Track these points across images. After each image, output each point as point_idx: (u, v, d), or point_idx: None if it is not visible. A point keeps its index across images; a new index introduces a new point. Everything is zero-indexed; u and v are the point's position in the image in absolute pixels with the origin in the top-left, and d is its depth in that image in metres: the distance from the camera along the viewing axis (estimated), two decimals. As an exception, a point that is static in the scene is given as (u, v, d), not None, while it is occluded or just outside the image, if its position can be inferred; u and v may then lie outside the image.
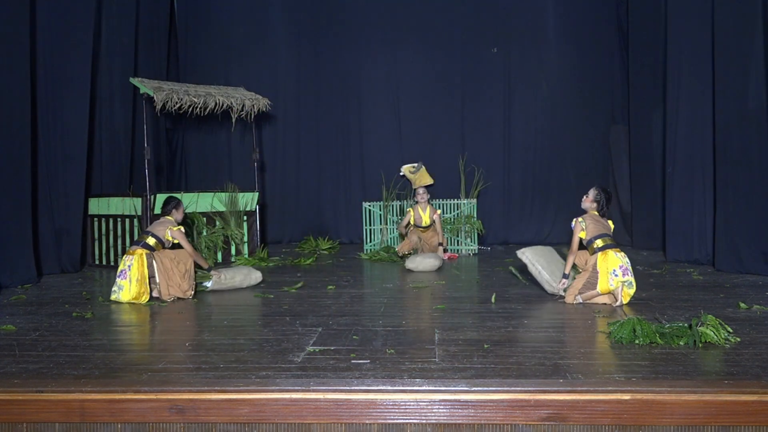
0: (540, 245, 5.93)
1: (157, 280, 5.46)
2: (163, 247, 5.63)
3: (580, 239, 5.12)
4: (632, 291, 4.98)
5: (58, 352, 3.76)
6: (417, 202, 8.05)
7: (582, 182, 9.62)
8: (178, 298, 5.47)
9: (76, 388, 3.09)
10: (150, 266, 5.45)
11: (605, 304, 4.97)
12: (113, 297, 5.42)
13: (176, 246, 5.76)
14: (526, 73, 9.76)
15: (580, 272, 5.17)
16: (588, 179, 9.53)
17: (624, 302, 4.93)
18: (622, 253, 5.04)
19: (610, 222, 5.22)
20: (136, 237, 7.22)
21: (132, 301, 5.36)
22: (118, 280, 5.44)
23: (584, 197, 5.24)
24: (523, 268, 5.48)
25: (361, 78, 10.07)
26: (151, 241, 5.57)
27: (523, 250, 5.57)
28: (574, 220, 5.17)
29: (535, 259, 5.45)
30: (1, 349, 3.83)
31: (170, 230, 5.60)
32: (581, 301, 5.00)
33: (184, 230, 5.72)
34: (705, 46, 6.83)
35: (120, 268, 5.49)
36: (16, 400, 3.07)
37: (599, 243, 5.02)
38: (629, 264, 5.00)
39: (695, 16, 6.97)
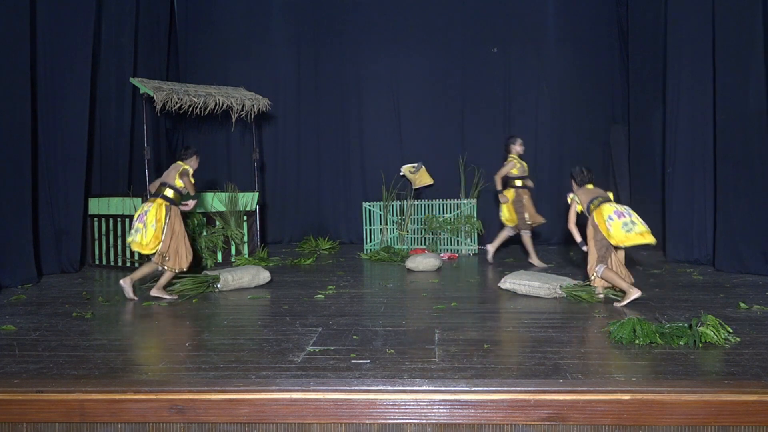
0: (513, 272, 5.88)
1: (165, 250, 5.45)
2: (181, 197, 5.62)
3: (581, 212, 5.30)
4: (639, 229, 4.94)
5: (58, 352, 3.76)
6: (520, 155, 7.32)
7: (582, 182, 9.67)
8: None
9: (76, 388, 3.09)
10: (167, 219, 5.44)
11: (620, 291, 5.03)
12: (129, 239, 5.52)
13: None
14: (526, 73, 9.76)
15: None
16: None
17: (641, 242, 4.93)
18: (618, 204, 5.14)
19: (609, 193, 5.32)
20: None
21: (141, 250, 5.42)
22: (135, 223, 5.49)
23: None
24: (513, 295, 5.45)
25: (361, 78, 10.07)
26: (169, 192, 5.55)
27: (503, 280, 5.59)
28: (568, 197, 5.41)
29: (518, 280, 5.50)
30: (1, 349, 3.83)
31: (179, 174, 5.59)
32: (600, 275, 5.00)
33: (191, 172, 5.68)
34: (705, 46, 6.83)
35: (138, 212, 5.52)
36: (16, 400, 3.07)
37: (593, 205, 5.16)
38: (627, 209, 5.08)
39: (695, 16, 6.97)
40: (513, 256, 8.26)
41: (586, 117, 9.67)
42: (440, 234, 8.68)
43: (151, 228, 5.36)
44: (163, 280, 5.57)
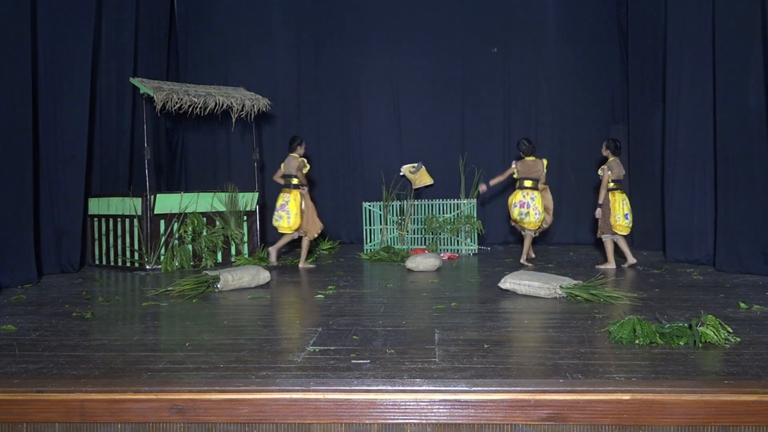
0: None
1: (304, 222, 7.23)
2: (305, 179, 7.27)
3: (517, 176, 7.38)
4: (528, 219, 7.27)
5: (58, 352, 3.76)
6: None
7: (582, 182, 9.67)
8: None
9: (76, 388, 3.09)
10: (302, 203, 7.16)
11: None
12: (275, 223, 7.25)
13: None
14: (526, 73, 9.77)
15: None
16: (588, 179, 9.57)
17: (531, 227, 7.31)
18: (532, 192, 7.29)
19: (544, 160, 7.44)
20: (137, 237, 7.26)
21: (287, 231, 7.20)
22: (279, 212, 7.19)
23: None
24: (513, 295, 5.45)
25: (361, 78, 10.07)
26: (295, 181, 7.19)
27: (503, 280, 5.58)
28: (513, 164, 7.41)
29: (518, 280, 5.48)
30: (1, 349, 3.83)
31: (298, 163, 7.17)
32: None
33: (305, 161, 7.29)
34: (705, 46, 6.83)
35: (279, 202, 7.22)
36: (16, 400, 3.07)
37: (519, 182, 7.33)
38: (533, 200, 7.25)
39: (695, 16, 6.98)
40: (513, 256, 8.26)
41: (586, 117, 9.67)
42: (440, 234, 8.68)
43: (294, 215, 7.14)
44: (305, 251, 7.40)
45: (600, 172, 7.15)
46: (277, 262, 7.47)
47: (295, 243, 9.77)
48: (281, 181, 7.34)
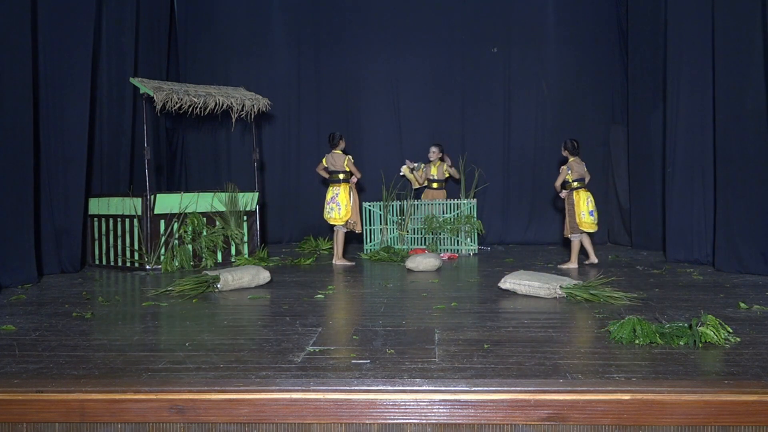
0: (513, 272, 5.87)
1: (351, 217, 7.55)
2: (350, 175, 7.57)
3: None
4: None
5: (58, 352, 3.76)
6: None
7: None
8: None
9: (76, 388, 3.09)
10: (351, 196, 7.53)
11: None
12: (326, 216, 7.59)
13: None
14: (526, 73, 9.77)
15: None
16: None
17: None
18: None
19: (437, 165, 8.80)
20: (137, 237, 7.27)
21: (337, 222, 7.53)
22: (330, 204, 7.55)
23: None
24: (513, 295, 5.44)
25: (361, 78, 10.08)
26: (342, 176, 7.52)
27: (503, 280, 5.56)
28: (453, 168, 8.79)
29: (518, 280, 5.46)
30: (1, 349, 3.83)
31: (346, 160, 7.53)
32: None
33: (351, 158, 7.63)
34: (705, 46, 6.83)
35: (329, 195, 7.58)
36: (16, 400, 3.06)
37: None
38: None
39: (695, 16, 6.98)
40: (512, 256, 8.26)
41: (586, 117, 9.67)
42: (440, 234, 8.68)
43: (344, 206, 7.50)
44: (340, 246, 7.66)
45: (561, 171, 7.29)
46: (349, 262, 7.72)
47: (294, 243, 9.84)
48: (324, 174, 7.76)
